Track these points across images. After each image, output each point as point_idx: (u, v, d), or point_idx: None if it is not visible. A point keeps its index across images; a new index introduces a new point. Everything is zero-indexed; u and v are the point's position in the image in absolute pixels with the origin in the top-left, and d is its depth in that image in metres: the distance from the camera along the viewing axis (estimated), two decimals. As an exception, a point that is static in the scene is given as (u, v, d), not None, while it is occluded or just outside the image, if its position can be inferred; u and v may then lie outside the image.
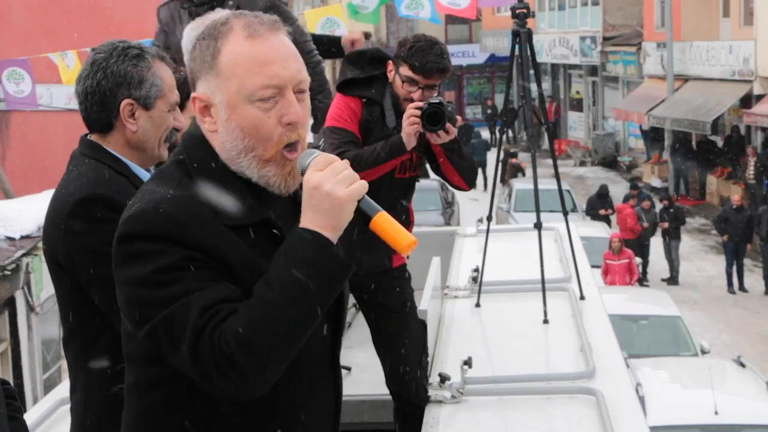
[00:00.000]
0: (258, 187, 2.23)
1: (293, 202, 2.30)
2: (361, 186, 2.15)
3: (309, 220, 2.12)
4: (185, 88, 3.56)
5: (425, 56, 4.17)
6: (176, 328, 2.05)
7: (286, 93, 2.19)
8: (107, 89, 2.98)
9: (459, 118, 42.09)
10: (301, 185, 2.19)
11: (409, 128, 4.11)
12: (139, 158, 3.04)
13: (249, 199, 2.21)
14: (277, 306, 2.05)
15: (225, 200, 2.17)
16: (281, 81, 2.18)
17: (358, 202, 2.15)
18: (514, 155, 29.38)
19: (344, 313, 2.41)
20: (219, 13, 4.04)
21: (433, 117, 4.08)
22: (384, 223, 2.19)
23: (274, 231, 2.22)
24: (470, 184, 4.50)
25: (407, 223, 4.52)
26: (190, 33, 3.98)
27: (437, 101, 4.10)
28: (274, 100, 2.18)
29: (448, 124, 4.14)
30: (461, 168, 4.37)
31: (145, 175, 3.04)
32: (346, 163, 2.17)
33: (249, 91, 2.17)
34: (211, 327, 2.03)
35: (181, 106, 3.51)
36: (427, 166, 4.55)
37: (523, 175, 27.71)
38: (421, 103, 4.11)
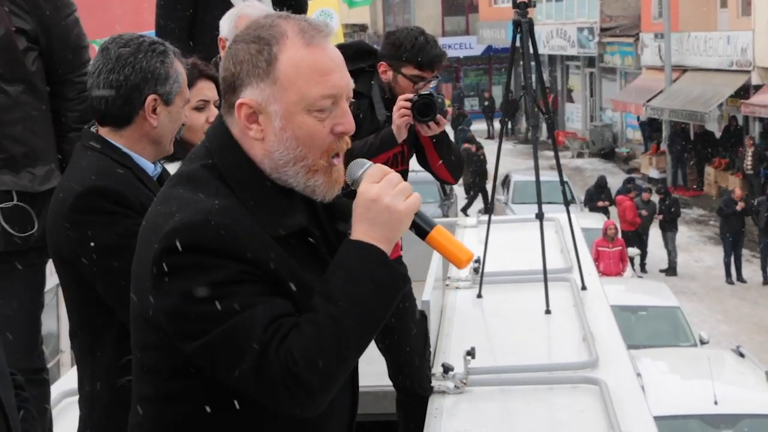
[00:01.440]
0: (287, 192, 2.18)
1: (315, 205, 2.26)
2: (417, 199, 2.13)
3: (364, 232, 2.09)
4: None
5: (429, 51, 4.19)
6: (237, 344, 2.00)
7: (341, 102, 2.15)
8: (135, 84, 2.96)
9: (449, 110, 42.21)
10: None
11: (400, 120, 4.10)
12: (152, 152, 3.03)
13: (287, 208, 2.17)
14: (343, 322, 2.02)
15: (266, 209, 2.13)
16: (340, 90, 2.14)
17: (414, 215, 2.13)
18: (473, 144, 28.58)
19: None
20: (255, 8, 4.03)
21: (424, 108, 4.08)
22: (441, 237, 2.17)
23: (310, 239, 2.18)
24: (456, 178, 4.50)
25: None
26: (228, 24, 3.97)
27: (427, 92, 4.10)
28: (329, 109, 2.14)
29: (438, 116, 4.14)
30: (448, 161, 4.36)
31: (148, 167, 3.03)
32: (399, 175, 2.14)
33: (309, 101, 2.11)
34: (275, 344, 1.99)
35: None
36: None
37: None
38: (410, 95, 4.11)
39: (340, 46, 4.48)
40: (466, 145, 27.00)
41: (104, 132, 3.03)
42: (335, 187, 2.19)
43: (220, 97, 3.05)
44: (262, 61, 2.11)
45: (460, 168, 4.51)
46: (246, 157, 2.16)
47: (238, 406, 2.13)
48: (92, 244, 2.85)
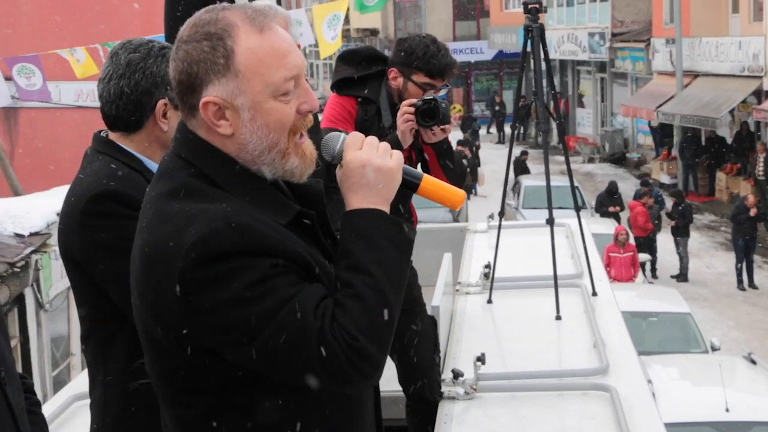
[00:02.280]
0: (273, 183, 2.18)
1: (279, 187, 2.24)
2: (401, 155, 2.19)
3: (362, 198, 2.14)
4: None
5: (440, 60, 4.19)
6: (294, 337, 2.00)
7: (301, 81, 2.15)
8: (145, 89, 2.97)
9: (458, 108, 42.07)
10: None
11: (404, 125, 4.10)
12: (162, 156, 3.03)
13: (279, 196, 2.18)
14: (380, 287, 2.06)
15: (266, 201, 2.13)
16: (299, 70, 2.14)
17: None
18: (524, 153, 29.30)
19: None
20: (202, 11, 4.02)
21: (427, 113, 4.08)
22: (431, 185, 2.23)
23: (305, 221, 2.18)
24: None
25: (409, 221, 4.52)
26: None
27: (431, 97, 4.10)
28: (293, 91, 2.13)
29: (445, 126, 4.13)
30: (449, 171, 4.34)
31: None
32: (375, 138, 2.19)
33: (274, 87, 2.10)
34: (328, 325, 2.01)
35: None
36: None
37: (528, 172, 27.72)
38: (414, 100, 4.11)
39: (350, 51, 4.51)
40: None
41: (115, 137, 3.03)
42: (310, 165, 2.20)
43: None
44: (219, 57, 2.09)
45: (461, 179, 4.50)
46: (227, 157, 2.14)
47: (280, 415, 2.12)
48: (104, 247, 2.85)
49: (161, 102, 2.98)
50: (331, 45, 13.78)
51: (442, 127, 4.13)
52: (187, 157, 2.15)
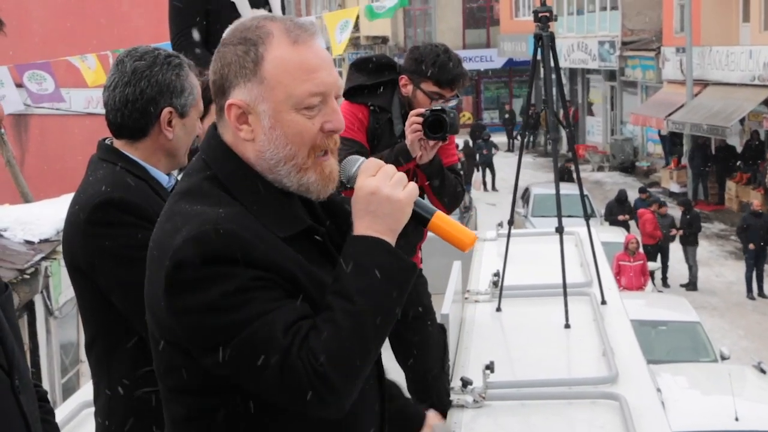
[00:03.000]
0: (288, 194, 2.18)
1: (313, 205, 2.26)
2: (415, 187, 2.14)
3: (367, 226, 2.10)
4: (207, 93, 3.56)
5: (450, 70, 4.17)
6: (259, 350, 1.99)
7: (329, 100, 2.15)
8: (150, 97, 2.98)
9: (467, 116, 42.04)
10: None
11: (412, 135, 4.08)
12: (167, 164, 3.05)
13: (290, 208, 2.17)
14: (361, 317, 2.02)
15: (271, 212, 2.13)
16: (327, 88, 2.14)
17: (413, 203, 2.15)
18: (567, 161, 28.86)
19: None
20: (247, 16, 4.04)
21: (435, 125, 4.05)
22: (442, 222, 2.18)
23: (316, 237, 2.18)
24: (449, 210, 4.45)
25: (420, 229, 4.52)
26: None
27: (439, 108, 4.08)
28: (318, 107, 2.13)
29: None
30: (435, 190, 4.31)
31: (163, 178, 3.04)
32: (393, 166, 2.16)
33: (297, 99, 2.11)
34: (297, 346, 1.99)
35: (204, 110, 3.52)
36: None
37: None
38: (422, 110, 4.09)
39: (363, 59, 4.51)
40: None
41: (119, 144, 3.04)
42: (329, 185, 2.19)
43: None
44: (249, 62, 2.12)
45: (453, 199, 4.42)
46: (242, 163, 2.16)
47: (270, 418, 2.12)
48: (108, 255, 2.86)
49: (166, 110, 2.99)
50: (338, 47, 13.93)
51: (433, 142, 4.09)
52: (207, 159, 2.19)
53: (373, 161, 2.17)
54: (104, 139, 3.09)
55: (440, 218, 2.19)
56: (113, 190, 2.91)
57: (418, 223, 2.18)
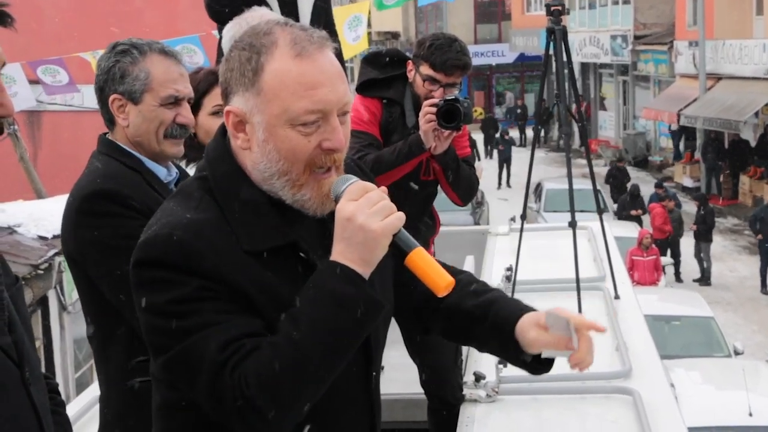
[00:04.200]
0: (287, 206, 2.10)
1: (321, 223, 2.16)
2: (398, 219, 2.01)
3: (340, 252, 1.99)
4: (201, 86, 3.56)
5: (445, 53, 4.14)
6: (193, 363, 1.95)
7: (330, 118, 2.05)
8: (99, 86, 3.04)
9: (479, 111, 41.98)
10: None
11: (426, 126, 4.07)
12: (143, 153, 3.05)
13: (275, 221, 2.08)
14: (302, 346, 1.93)
15: (248, 222, 2.05)
16: (327, 106, 2.04)
17: (394, 235, 2.02)
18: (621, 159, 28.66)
19: (374, 337, 2.23)
20: (259, 15, 4.02)
21: (449, 114, 4.03)
22: (420, 260, 2.05)
23: (301, 254, 2.09)
24: (464, 202, 4.45)
25: (432, 224, 4.51)
26: (228, 32, 3.95)
27: (453, 97, 4.05)
28: (317, 124, 2.04)
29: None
30: (454, 185, 4.31)
31: (160, 171, 3.05)
32: (382, 192, 2.03)
33: (292, 115, 2.03)
34: (231, 364, 1.93)
35: (198, 104, 3.52)
36: None
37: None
38: (436, 100, 4.07)
39: (375, 54, 4.50)
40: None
41: (111, 136, 3.08)
42: (326, 203, 2.09)
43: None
44: (249, 70, 2.05)
45: (467, 192, 4.42)
46: (237, 167, 2.11)
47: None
48: (98, 245, 2.89)
49: (112, 97, 3.01)
50: (353, 46, 13.75)
51: (448, 132, 4.08)
52: (206, 159, 2.16)
53: (361, 184, 2.04)
54: (105, 133, 3.12)
55: (419, 255, 2.05)
56: (103, 181, 2.93)
57: (397, 256, 2.06)
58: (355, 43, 13.62)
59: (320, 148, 2.06)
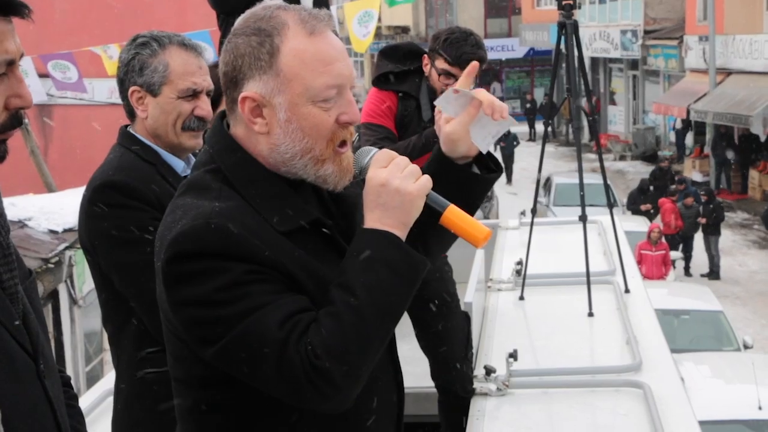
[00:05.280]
0: (295, 186, 2.14)
1: (323, 197, 2.23)
2: (428, 180, 2.09)
3: (377, 219, 2.05)
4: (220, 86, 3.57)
5: (461, 47, 4.14)
6: (254, 344, 1.96)
7: (345, 92, 2.11)
8: (120, 78, 3.06)
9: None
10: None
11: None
12: (161, 145, 3.07)
13: (296, 200, 2.12)
14: (363, 311, 1.97)
15: (273, 205, 2.08)
16: (344, 80, 2.10)
17: (426, 197, 2.09)
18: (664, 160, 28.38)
19: None
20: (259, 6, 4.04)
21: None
22: (455, 216, 2.12)
23: (324, 230, 2.13)
24: None
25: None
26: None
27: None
28: (334, 99, 2.09)
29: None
30: None
31: (176, 163, 3.07)
32: (406, 159, 2.10)
33: (314, 92, 2.07)
34: (294, 339, 1.95)
35: (219, 100, 3.52)
36: None
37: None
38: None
39: (392, 47, 4.51)
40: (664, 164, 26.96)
41: (132, 128, 3.10)
42: (346, 176, 2.15)
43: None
44: (264, 54, 2.07)
45: None
46: (247, 155, 2.12)
47: (275, 415, 2.10)
48: (106, 236, 2.91)
49: (132, 89, 3.03)
50: (363, 42, 13.73)
51: None
52: (212, 152, 2.16)
53: (386, 152, 2.13)
54: (126, 125, 3.14)
55: (453, 212, 2.13)
56: (115, 173, 2.96)
57: (430, 217, 2.12)
58: (365, 39, 13.60)
59: (338, 122, 2.10)
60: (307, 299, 2.04)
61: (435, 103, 2.35)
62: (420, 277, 2.06)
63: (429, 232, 2.29)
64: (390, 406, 2.30)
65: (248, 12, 2.15)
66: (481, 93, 2.32)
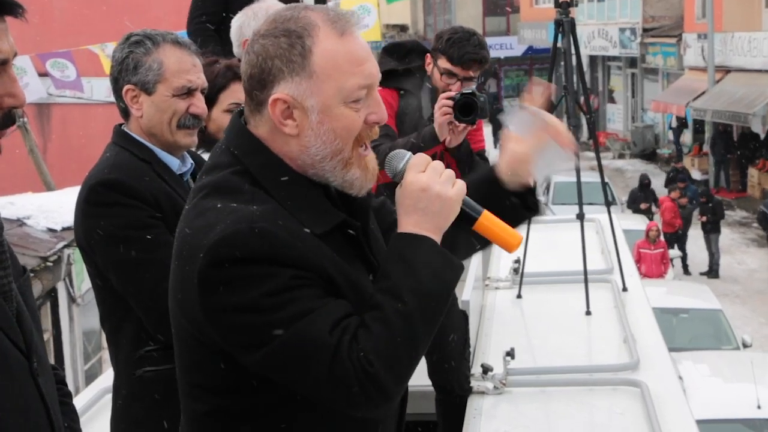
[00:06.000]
0: (324, 189, 2.13)
1: (335, 200, 2.19)
2: (464, 185, 2.11)
3: (415, 223, 2.06)
4: (218, 81, 3.56)
5: (463, 47, 4.15)
6: (304, 351, 1.95)
7: (373, 92, 2.11)
8: (114, 77, 3.05)
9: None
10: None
11: (441, 118, 4.06)
12: (156, 143, 3.06)
13: (325, 203, 2.11)
14: (411, 318, 1.98)
15: (306, 207, 2.07)
16: (373, 80, 2.10)
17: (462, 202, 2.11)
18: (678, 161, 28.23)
19: None
20: (266, 6, 4.05)
21: (465, 108, 4.03)
22: (490, 223, 2.14)
23: (350, 231, 2.13)
24: None
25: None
26: (236, 22, 3.97)
27: (470, 91, 4.05)
28: (364, 99, 2.09)
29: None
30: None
31: (172, 162, 3.06)
32: (441, 163, 2.11)
33: (347, 93, 2.06)
34: (346, 346, 1.94)
35: (214, 99, 3.52)
36: None
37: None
38: (453, 93, 4.07)
39: (395, 44, 4.51)
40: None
41: (126, 127, 3.09)
42: (372, 180, 2.15)
43: None
44: (296, 55, 2.04)
45: None
46: (276, 157, 2.10)
47: (292, 420, 2.09)
48: (103, 235, 2.90)
49: (126, 88, 3.02)
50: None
51: (463, 125, 4.07)
52: (237, 153, 2.12)
53: (422, 157, 2.12)
54: (121, 124, 3.14)
55: (488, 218, 2.14)
56: (110, 171, 2.95)
57: (465, 221, 2.13)
58: (362, 30, 13.54)
59: (366, 122, 2.11)
60: (347, 303, 2.03)
61: (504, 119, 2.33)
62: (457, 281, 2.08)
63: (460, 236, 2.29)
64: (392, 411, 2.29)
65: (273, 14, 2.13)
66: (555, 120, 2.29)
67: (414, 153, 4.05)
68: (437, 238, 2.07)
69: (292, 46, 2.05)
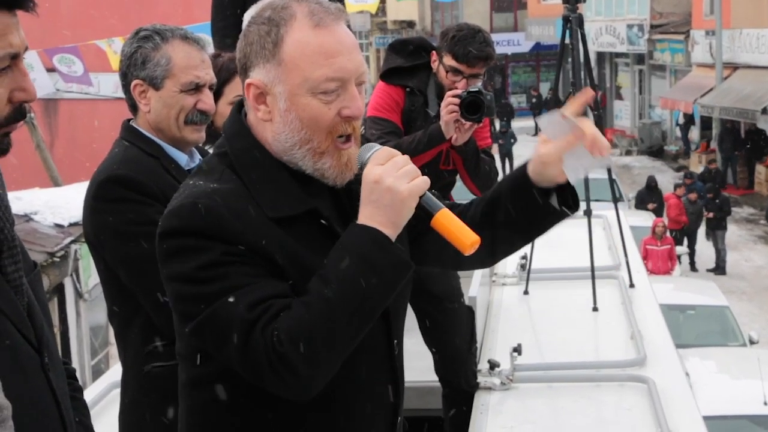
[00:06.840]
0: (306, 177, 2.17)
1: (339, 193, 2.24)
2: (423, 182, 2.09)
3: (368, 216, 2.06)
4: (222, 74, 3.56)
5: (468, 45, 4.14)
6: (223, 324, 2.01)
7: (349, 86, 2.13)
8: (123, 72, 3.05)
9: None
10: (356, 178, 2.16)
11: (448, 116, 4.07)
12: (164, 139, 3.06)
13: (295, 190, 2.15)
14: (332, 304, 1.99)
15: (269, 191, 2.12)
16: (346, 74, 2.12)
17: (420, 198, 2.09)
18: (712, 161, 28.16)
19: (399, 301, 2.29)
20: None
21: (472, 106, 4.03)
22: (446, 220, 2.13)
23: (322, 222, 2.15)
24: (483, 192, 4.45)
25: None
26: (248, 15, 3.97)
27: (476, 89, 4.05)
28: (336, 93, 2.11)
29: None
30: (474, 177, 4.32)
31: (180, 157, 3.06)
32: (407, 158, 2.11)
33: (313, 84, 2.10)
34: (262, 323, 1.98)
35: (219, 92, 3.52)
36: None
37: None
38: (459, 91, 4.08)
39: (401, 41, 4.51)
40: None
41: (134, 122, 3.10)
42: (346, 172, 2.17)
43: None
44: (269, 42, 2.12)
45: (485, 184, 4.43)
46: (254, 141, 2.17)
47: (265, 394, 2.10)
48: (112, 231, 2.91)
49: (134, 83, 3.02)
50: (355, 6, 13.50)
51: (469, 123, 4.07)
52: (225, 136, 2.23)
53: (386, 150, 2.13)
54: (129, 120, 3.14)
55: (445, 216, 2.12)
56: (119, 167, 2.95)
57: (424, 218, 2.12)
58: (358, 3, 13.41)
59: (340, 115, 2.13)
60: (287, 286, 2.06)
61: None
62: (401, 279, 2.06)
63: (498, 234, 2.30)
64: (385, 402, 2.29)
65: (266, 1, 2.19)
66: (587, 124, 2.27)
67: (421, 151, 4.10)
68: (389, 232, 2.05)
69: (267, 34, 2.13)
